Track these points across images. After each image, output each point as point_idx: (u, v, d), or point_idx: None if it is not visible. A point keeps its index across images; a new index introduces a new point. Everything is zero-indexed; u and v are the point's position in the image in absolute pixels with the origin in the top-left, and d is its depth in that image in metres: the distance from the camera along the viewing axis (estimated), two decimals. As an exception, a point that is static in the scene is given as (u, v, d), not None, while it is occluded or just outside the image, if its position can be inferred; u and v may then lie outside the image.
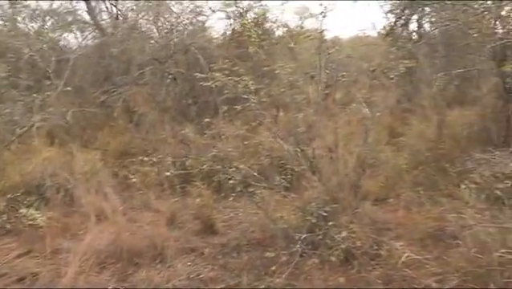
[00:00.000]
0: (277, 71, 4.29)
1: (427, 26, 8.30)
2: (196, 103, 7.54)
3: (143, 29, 8.31)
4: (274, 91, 4.50)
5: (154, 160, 4.27)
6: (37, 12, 8.54)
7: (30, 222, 4.36)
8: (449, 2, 5.58)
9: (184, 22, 8.17)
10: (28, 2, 8.44)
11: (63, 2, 8.64)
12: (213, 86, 4.12)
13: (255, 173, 4.06)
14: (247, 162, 4.26)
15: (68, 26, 8.72)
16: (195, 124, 6.56)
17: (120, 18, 8.52)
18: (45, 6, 8.62)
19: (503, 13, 4.78)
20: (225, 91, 4.12)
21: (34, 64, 7.04)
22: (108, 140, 6.89)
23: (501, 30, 4.58)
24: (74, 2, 8.65)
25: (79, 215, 4.61)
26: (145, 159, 4.23)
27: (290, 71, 4.28)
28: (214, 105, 6.74)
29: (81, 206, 4.61)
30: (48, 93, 6.00)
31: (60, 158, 5.54)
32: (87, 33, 8.75)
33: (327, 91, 4.65)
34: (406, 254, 3.37)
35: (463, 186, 3.51)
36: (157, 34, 8.23)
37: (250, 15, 8.30)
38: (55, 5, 8.65)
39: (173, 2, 8.26)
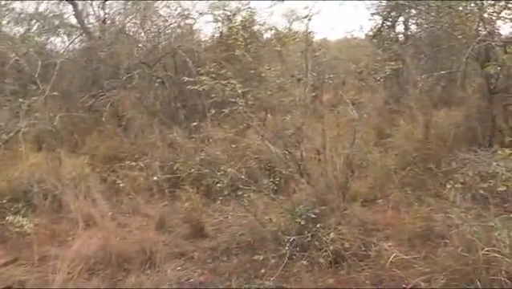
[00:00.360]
0: (263, 74, 4.31)
1: (413, 27, 8.40)
2: (184, 107, 7.53)
3: (130, 32, 8.28)
4: (262, 94, 4.51)
5: (142, 164, 4.25)
6: (22, 16, 8.46)
7: (17, 230, 4.28)
8: (433, 5, 5.65)
9: (171, 26, 8.16)
10: (13, 5, 8.36)
11: (50, 4, 8.60)
12: (201, 89, 4.12)
13: (243, 176, 4.07)
14: (235, 165, 4.27)
15: (55, 30, 8.67)
16: (183, 128, 6.54)
17: (108, 22, 8.48)
18: (31, 9, 8.55)
19: (485, 15, 4.86)
20: (213, 95, 4.12)
21: (20, 69, 6.95)
22: (97, 144, 6.84)
23: (483, 32, 4.65)
24: (61, 6, 8.62)
25: (67, 221, 4.58)
26: (133, 164, 4.20)
27: (277, 74, 4.29)
28: (202, 109, 6.71)
29: (69, 212, 4.58)
30: (35, 98, 5.92)
31: (48, 164, 5.49)
32: (74, 37, 8.70)
33: (314, 94, 4.67)
34: (394, 255, 3.42)
35: (449, 186, 3.55)
36: (145, 37, 8.20)
37: (238, 18, 8.31)
38: (41, 8, 8.61)
39: (161, 6, 8.24)
